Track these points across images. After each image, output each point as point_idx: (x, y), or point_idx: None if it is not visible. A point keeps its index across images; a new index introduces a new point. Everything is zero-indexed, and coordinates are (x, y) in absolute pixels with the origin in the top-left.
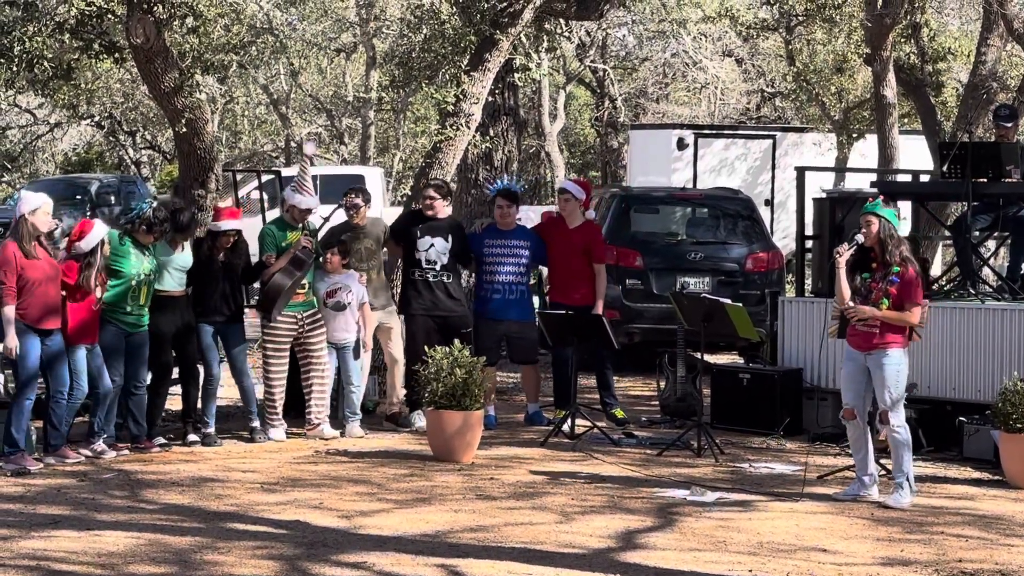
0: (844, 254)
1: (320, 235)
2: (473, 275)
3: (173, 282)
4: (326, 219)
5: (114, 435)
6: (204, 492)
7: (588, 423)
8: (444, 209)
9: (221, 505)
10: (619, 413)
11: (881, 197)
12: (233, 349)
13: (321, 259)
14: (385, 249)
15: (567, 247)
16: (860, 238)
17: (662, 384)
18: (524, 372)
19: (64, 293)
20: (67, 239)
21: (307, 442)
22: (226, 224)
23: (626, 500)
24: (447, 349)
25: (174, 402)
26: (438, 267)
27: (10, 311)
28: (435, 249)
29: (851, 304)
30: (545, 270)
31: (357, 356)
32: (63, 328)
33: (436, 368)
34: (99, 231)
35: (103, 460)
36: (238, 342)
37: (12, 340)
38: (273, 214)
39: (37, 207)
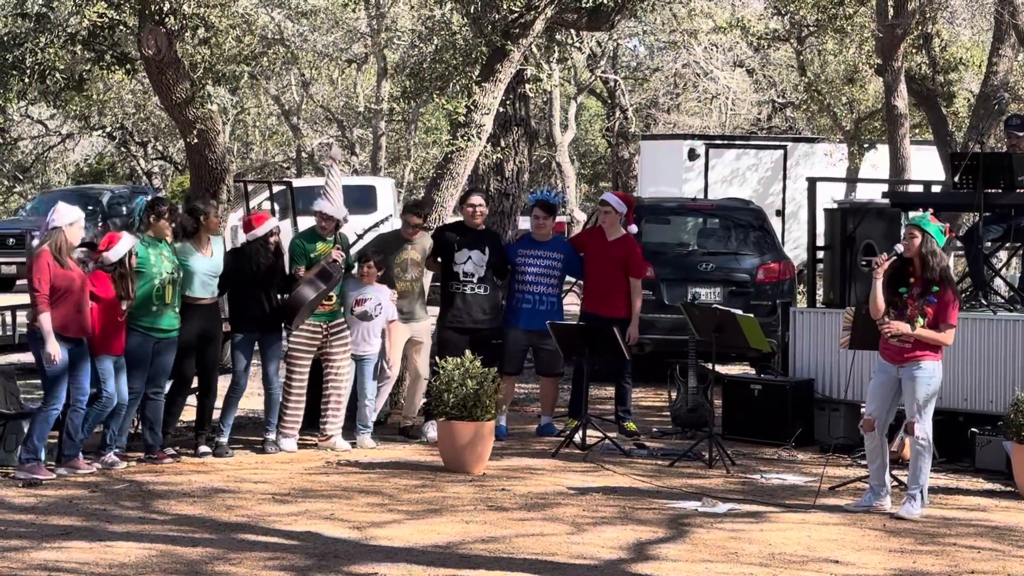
0: (884, 264)
1: (361, 244)
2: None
3: (202, 289)
4: (360, 236)
5: (125, 445)
6: (216, 503)
7: (599, 434)
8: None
9: (232, 516)
10: (631, 426)
11: (930, 211)
12: (268, 357)
13: (355, 270)
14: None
15: (604, 259)
16: (900, 248)
17: (673, 395)
18: (544, 384)
19: (93, 304)
20: (83, 249)
21: (318, 453)
22: (262, 228)
23: (637, 511)
24: (458, 360)
25: (187, 412)
26: (475, 279)
27: (47, 318)
28: (472, 262)
29: (886, 319)
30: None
31: (375, 376)
32: (90, 338)
33: (447, 379)
34: (127, 242)
35: (114, 471)
36: (274, 351)
37: (53, 346)
38: (284, 225)
39: (74, 220)
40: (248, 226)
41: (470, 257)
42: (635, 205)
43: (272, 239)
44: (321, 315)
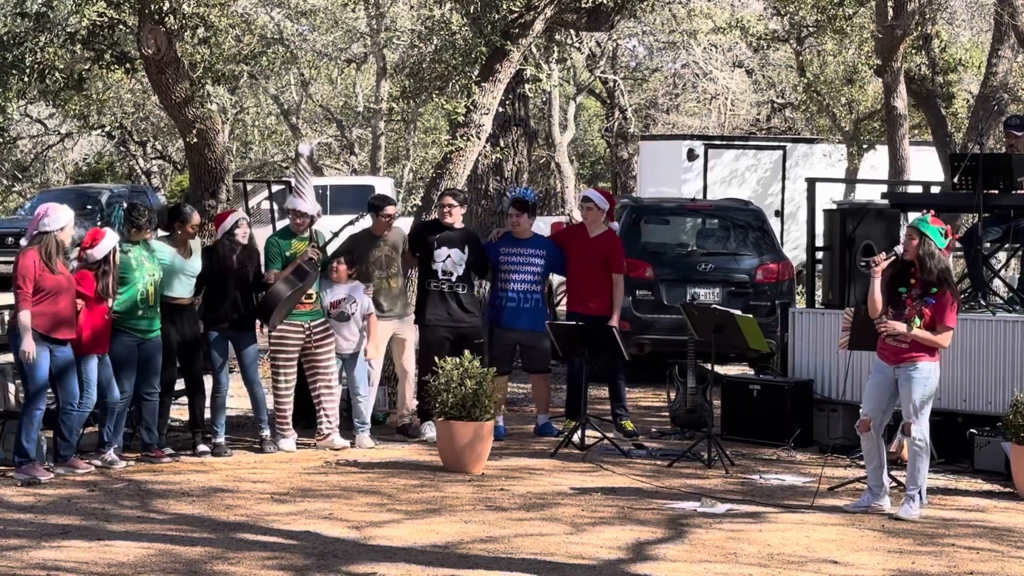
0: (881, 263)
1: (337, 243)
2: (484, 284)
3: (183, 288)
4: (336, 234)
5: (123, 445)
6: (214, 502)
7: (598, 434)
8: (460, 217)
9: (231, 515)
10: (628, 425)
11: (931, 213)
12: (244, 357)
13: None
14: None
15: (586, 256)
16: (899, 249)
17: (672, 395)
18: (535, 382)
19: (80, 303)
20: (78, 248)
21: (317, 452)
22: (228, 221)
23: (636, 511)
24: (457, 360)
25: (181, 412)
26: (453, 278)
27: (26, 316)
28: (451, 260)
29: (883, 319)
30: (555, 280)
31: (359, 369)
32: (76, 338)
33: (446, 379)
34: (111, 239)
35: (113, 470)
36: (251, 351)
37: (29, 344)
38: (283, 224)
39: (65, 225)
40: (216, 225)
41: (449, 255)
42: (637, 204)
43: (239, 231)
44: (303, 314)
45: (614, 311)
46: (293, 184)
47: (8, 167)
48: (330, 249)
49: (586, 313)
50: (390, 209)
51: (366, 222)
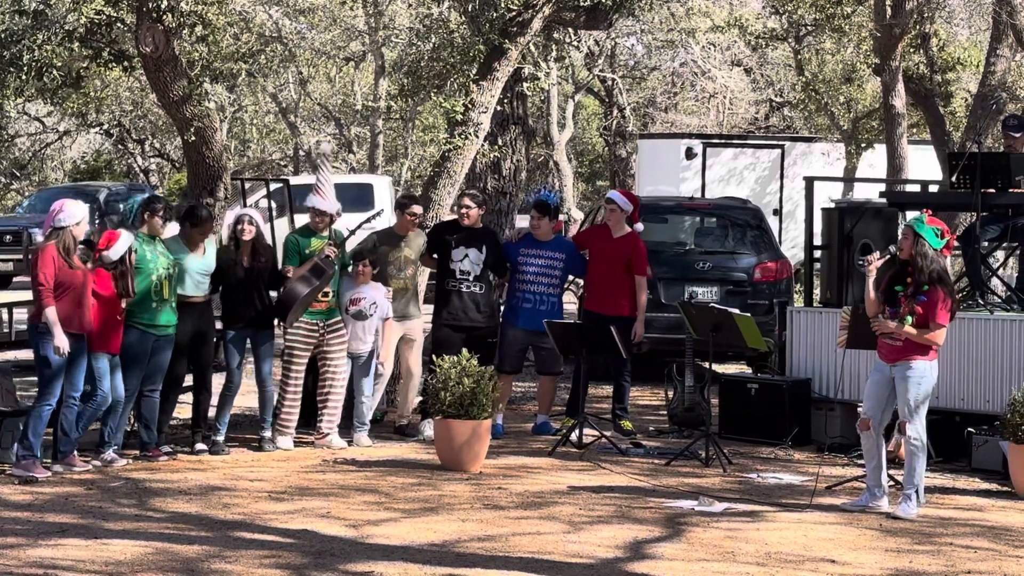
0: (875, 262)
1: (354, 240)
2: (496, 279)
3: (194, 287)
4: (352, 232)
5: (121, 443)
6: (212, 501)
7: (596, 433)
8: (479, 218)
9: (229, 514)
10: (627, 425)
11: (927, 212)
12: (261, 355)
13: (350, 268)
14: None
15: (608, 257)
16: (893, 248)
17: (670, 394)
18: (542, 383)
19: (93, 300)
20: (82, 247)
21: (315, 451)
22: (229, 217)
23: (634, 510)
24: (455, 358)
25: (181, 410)
26: (471, 278)
27: (52, 312)
28: (469, 260)
29: (879, 317)
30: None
31: (367, 371)
32: (89, 335)
33: (444, 377)
34: (126, 240)
35: (111, 469)
36: (266, 349)
37: (61, 339)
38: (281, 222)
39: (80, 219)
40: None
41: (467, 255)
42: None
43: (240, 227)
44: (318, 313)
45: (639, 313)
46: (314, 182)
47: (6, 165)
48: (348, 246)
49: (606, 313)
50: (416, 208)
51: (381, 220)
